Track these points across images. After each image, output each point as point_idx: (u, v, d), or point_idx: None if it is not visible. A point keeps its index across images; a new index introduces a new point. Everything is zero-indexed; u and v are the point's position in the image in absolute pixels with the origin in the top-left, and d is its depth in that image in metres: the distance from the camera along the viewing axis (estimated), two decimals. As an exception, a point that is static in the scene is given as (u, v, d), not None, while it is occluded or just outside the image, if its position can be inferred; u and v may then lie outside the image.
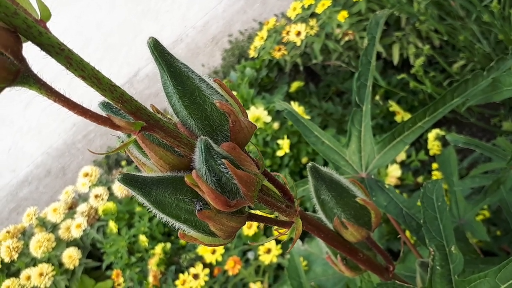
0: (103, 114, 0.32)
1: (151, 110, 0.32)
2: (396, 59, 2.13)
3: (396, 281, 0.48)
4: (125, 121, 0.30)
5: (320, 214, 0.50)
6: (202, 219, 0.35)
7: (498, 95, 0.67)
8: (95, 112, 0.29)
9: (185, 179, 0.34)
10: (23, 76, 0.25)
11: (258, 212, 0.42)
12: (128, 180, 0.34)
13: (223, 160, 0.33)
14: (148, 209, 0.36)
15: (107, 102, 0.33)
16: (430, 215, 0.51)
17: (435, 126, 1.77)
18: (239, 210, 0.37)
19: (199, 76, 0.36)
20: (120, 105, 0.29)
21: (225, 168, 0.33)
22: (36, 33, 0.24)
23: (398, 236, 0.67)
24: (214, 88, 0.37)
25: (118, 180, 0.33)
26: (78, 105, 0.28)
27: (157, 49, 0.33)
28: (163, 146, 0.36)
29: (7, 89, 0.25)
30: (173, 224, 0.36)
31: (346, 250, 0.49)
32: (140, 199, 0.35)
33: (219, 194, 0.34)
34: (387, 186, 0.76)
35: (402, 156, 1.87)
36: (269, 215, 0.42)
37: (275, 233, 0.43)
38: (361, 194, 0.50)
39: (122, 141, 0.36)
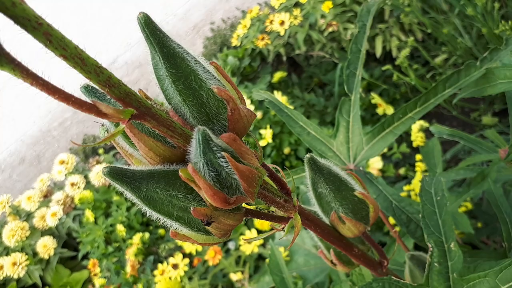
0: (88, 100, 0.28)
1: (141, 96, 0.29)
2: (379, 51, 2.12)
3: (393, 277, 0.47)
4: (113, 108, 0.26)
5: (316, 208, 0.48)
6: (197, 217, 0.32)
7: (492, 88, 0.65)
8: (78, 98, 0.25)
9: (180, 173, 0.30)
10: (-6, 53, 0.22)
11: (253, 207, 0.39)
12: (115, 174, 0.30)
13: (223, 153, 0.30)
14: (130, 201, 0.33)
15: (91, 86, 0.30)
16: (429, 210, 0.49)
17: (416, 118, 1.77)
18: (237, 206, 0.34)
19: (194, 58, 0.32)
20: (107, 89, 0.26)
21: (225, 162, 0.30)
22: (9, 4, 0.20)
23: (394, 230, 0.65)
24: (211, 72, 0.33)
25: (104, 174, 0.29)
26: (59, 89, 0.24)
27: (149, 26, 0.29)
28: (153, 135, 0.32)
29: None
30: (164, 222, 0.33)
31: (341, 245, 0.47)
32: (129, 195, 0.31)
33: (218, 190, 0.31)
34: (376, 178, 0.74)
35: (383, 148, 1.87)
36: (265, 210, 0.39)
37: (264, 227, 0.40)
38: (359, 188, 0.47)
39: (107, 130, 0.33)
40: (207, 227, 0.33)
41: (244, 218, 0.36)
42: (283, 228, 0.39)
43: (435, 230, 0.48)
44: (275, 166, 0.39)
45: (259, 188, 0.33)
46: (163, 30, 0.30)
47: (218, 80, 0.34)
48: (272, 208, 0.39)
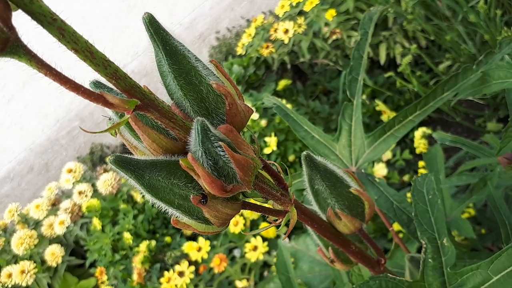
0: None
1: (144, 89, 0.31)
2: (382, 58, 2.14)
3: (389, 274, 0.48)
4: (119, 98, 0.29)
5: (314, 205, 0.50)
6: (196, 205, 0.34)
7: (487, 88, 0.67)
8: (87, 89, 0.27)
9: (180, 162, 0.32)
10: (13, 46, 0.24)
11: (251, 200, 0.41)
12: (120, 162, 0.32)
13: (220, 142, 0.32)
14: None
15: (99, 82, 0.32)
16: (421, 208, 0.50)
17: (420, 125, 1.78)
18: (234, 196, 0.36)
19: (195, 55, 0.35)
20: (113, 81, 0.28)
21: (222, 151, 0.32)
22: (27, 0, 0.23)
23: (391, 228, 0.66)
24: (210, 69, 0.35)
25: (110, 162, 0.31)
26: (70, 80, 0.26)
27: (153, 25, 0.32)
28: (156, 128, 0.34)
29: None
30: (166, 210, 0.35)
31: (338, 241, 0.49)
32: (132, 182, 0.33)
33: (215, 178, 0.33)
34: (377, 180, 0.76)
35: (388, 155, 1.88)
36: (263, 204, 0.41)
37: (264, 224, 0.42)
38: (355, 185, 0.49)
39: (113, 123, 0.35)
40: (204, 210, 0.34)
41: (242, 209, 0.38)
42: (280, 223, 0.41)
43: (428, 227, 0.49)
44: (273, 162, 0.41)
45: (256, 180, 0.35)
46: (167, 29, 0.33)
47: (217, 76, 0.36)
48: (270, 202, 0.41)
